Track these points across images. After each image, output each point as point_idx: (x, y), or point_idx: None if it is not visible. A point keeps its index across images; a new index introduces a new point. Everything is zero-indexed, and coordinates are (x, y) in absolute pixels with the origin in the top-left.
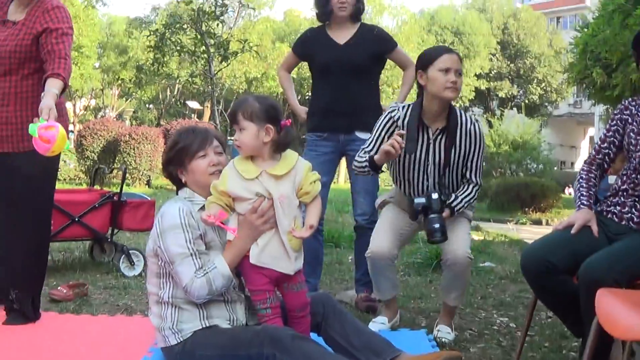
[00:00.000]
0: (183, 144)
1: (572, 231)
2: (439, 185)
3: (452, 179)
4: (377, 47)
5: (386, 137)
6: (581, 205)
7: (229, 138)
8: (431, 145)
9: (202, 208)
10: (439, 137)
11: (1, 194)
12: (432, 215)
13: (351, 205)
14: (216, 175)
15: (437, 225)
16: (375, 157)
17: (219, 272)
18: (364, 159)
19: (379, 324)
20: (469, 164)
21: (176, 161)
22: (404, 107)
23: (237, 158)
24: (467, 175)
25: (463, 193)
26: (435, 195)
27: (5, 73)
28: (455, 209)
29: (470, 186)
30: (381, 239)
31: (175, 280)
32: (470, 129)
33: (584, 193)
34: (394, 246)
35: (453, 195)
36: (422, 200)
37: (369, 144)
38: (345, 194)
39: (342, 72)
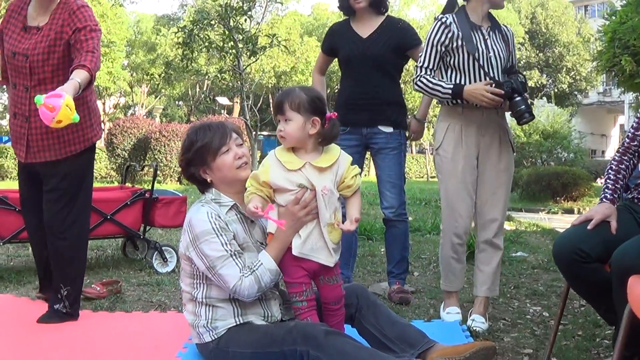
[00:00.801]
0: (202, 143)
1: (589, 227)
2: (506, 70)
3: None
4: (399, 41)
5: (440, 45)
6: (604, 199)
7: (259, 133)
8: (488, 41)
9: (231, 208)
10: (491, 33)
11: (52, 192)
12: (518, 98)
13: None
14: (243, 167)
15: (524, 107)
16: (468, 90)
17: (266, 268)
18: (448, 85)
19: (454, 315)
20: (512, 61)
21: (198, 161)
22: (449, 15)
23: (279, 149)
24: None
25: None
26: (505, 83)
27: (40, 82)
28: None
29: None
30: (456, 213)
31: (213, 282)
32: (504, 29)
33: (610, 185)
34: (469, 218)
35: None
36: (510, 81)
37: (425, 58)
38: (376, 186)
39: (363, 66)
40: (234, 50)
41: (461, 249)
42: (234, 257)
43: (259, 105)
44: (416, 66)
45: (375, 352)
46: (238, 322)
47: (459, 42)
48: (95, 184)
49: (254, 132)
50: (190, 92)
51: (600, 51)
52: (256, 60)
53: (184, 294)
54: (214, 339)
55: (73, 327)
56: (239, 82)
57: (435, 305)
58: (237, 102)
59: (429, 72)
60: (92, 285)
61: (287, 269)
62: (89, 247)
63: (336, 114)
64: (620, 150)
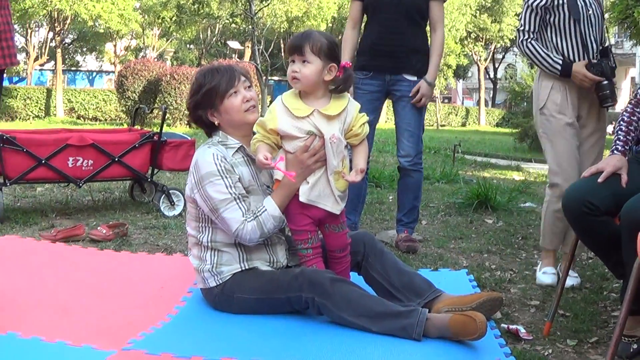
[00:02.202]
0: (210, 85)
1: (600, 179)
2: (600, 49)
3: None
4: None
5: (539, 8)
6: (615, 151)
7: (269, 78)
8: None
9: (238, 150)
10: None
11: None
12: (605, 82)
13: (392, 145)
14: (251, 111)
15: (608, 92)
16: (576, 70)
17: (270, 214)
18: (558, 60)
19: (550, 275)
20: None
21: (205, 104)
22: None
23: (286, 95)
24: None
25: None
26: (594, 62)
27: None
28: None
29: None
30: (565, 171)
31: (218, 226)
32: None
33: (621, 137)
34: (577, 176)
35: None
36: (601, 64)
37: (526, 20)
38: (385, 133)
39: (393, 11)
40: None
41: None
42: (238, 200)
43: (270, 50)
44: (518, 29)
45: (380, 300)
46: (243, 268)
47: (561, 1)
48: (105, 126)
49: (264, 77)
50: (201, 36)
51: (613, 3)
52: (268, 5)
53: (190, 237)
54: (218, 284)
55: (78, 265)
56: (250, 26)
57: (443, 254)
58: (248, 46)
59: (533, 36)
60: (99, 228)
61: (292, 216)
62: (96, 189)
63: (350, 64)
64: (633, 102)
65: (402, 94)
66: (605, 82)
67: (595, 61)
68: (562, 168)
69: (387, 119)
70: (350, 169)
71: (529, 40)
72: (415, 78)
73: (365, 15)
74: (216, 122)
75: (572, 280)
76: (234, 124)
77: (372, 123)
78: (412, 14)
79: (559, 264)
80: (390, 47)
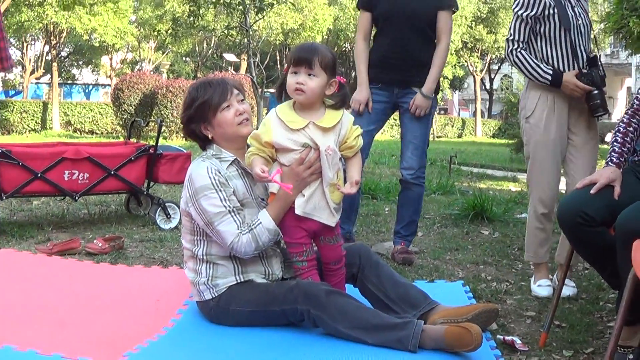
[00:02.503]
0: (203, 99)
1: (592, 191)
2: (589, 59)
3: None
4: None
5: (529, 18)
6: (610, 163)
7: (265, 90)
8: (576, 9)
9: (232, 163)
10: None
11: None
12: (596, 92)
13: (388, 157)
14: (244, 124)
15: (599, 101)
16: (567, 79)
17: (265, 227)
18: (548, 71)
19: (546, 287)
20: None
21: (198, 118)
22: None
23: (280, 107)
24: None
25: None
26: (584, 71)
27: None
28: None
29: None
30: (545, 183)
31: (213, 239)
32: None
33: (616, 149)
34: (557, 188)
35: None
36: (591, 74)
37: (515, 30)
38: (382, 145)
39: (403, 24)
40: (241, 7)
41: (546, 218)
42: (233, 213)
43: (266, 62)
44: (507, 39)
45: (376, 312)
46: (239, 280)
47: (551, 11)
48: (101, 139)
49: (260, 89)
50: (197, 49)
51: (609, 13)
52: (263, 17)
53: (185, 250)
54: (214, 296)
55: (74, 278)
56: (245, 39)
57: (438, 266)
58: (244, 59)
59: (522, 46)
60: (95, 241)
61: (287, 229)
62: (92, 202)
63: (344, 80)
64: (629, 112)
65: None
66: (596, 91)
67: (585, 71)
68: (541, 179)
69: (383, 131)
70: (345, 181)
71: (518, 49)
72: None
73: (375, 26)
74: (210, 136)
75: (568, 290)
76: (227, 137)
77: (372, 132)
78: (422, 26)
79: (556, 273)
80: (400, 60)
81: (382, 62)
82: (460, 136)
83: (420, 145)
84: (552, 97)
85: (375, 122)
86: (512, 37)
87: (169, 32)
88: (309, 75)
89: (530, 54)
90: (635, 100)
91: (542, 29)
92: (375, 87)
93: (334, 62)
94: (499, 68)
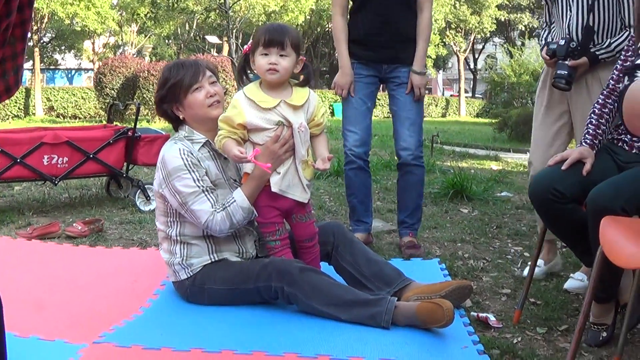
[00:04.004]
0: (175, 80)
1: (563, 167)
2: (586, 29)
3: (604, 20)
4: None
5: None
6: (583, 144)
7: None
8: None
9: (204, 145)
10: None
11: None
12: (560, 62)
13: (379, 139)
14: (215, 106)
15: (559, 72)
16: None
17: (238, 205)
18: (564, 70)
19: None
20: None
21: (170, 98)
22: None
23: (248, 88)
24: (622, 16)
25: (615, 40)
26: (562, 42)
27: None
28: (600, 57)
29: (624, 33)
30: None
31: (186, 220)
32: None
33: (590, 130)
34: None
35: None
36: (554, 45)
37: (545, 17)
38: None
39: None
40: None
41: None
42: (206, 192)
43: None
44: (541, 26)
45: (349, 289)
46: (213, 259)
47: None
48: (84, 124)
49: None
50: (179, 31)
51: None
52: None
53: (159, 232)
54: (189, 276)
55: (53, 261)
56: (225, 20)
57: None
58: (226, 40)
59: (549, 30)
60: (74, 224)
61: (259, 209)
62: (73, 186)
63: (305, 59)
64: (604, 92)
65: (402, 81)
66: (563, 62)
67: (572, 45)
68: (534, 146)
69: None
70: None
71: (546, 33)
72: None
73: (351, 0)
74: (181, 117)
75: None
76: (197, 119)
77: (370, 111)
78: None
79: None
80: (387, 36)
81: (367, 39)
82: (444, 116)
83: (417, 120)
84: (547, 69)
85: (369, 98)
86: (544, 26)
87: (148, 15)
88: (281, 55)
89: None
90: (610, 81)
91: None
92: (360, 63)
93: (301, 42)
94: (483, 47)
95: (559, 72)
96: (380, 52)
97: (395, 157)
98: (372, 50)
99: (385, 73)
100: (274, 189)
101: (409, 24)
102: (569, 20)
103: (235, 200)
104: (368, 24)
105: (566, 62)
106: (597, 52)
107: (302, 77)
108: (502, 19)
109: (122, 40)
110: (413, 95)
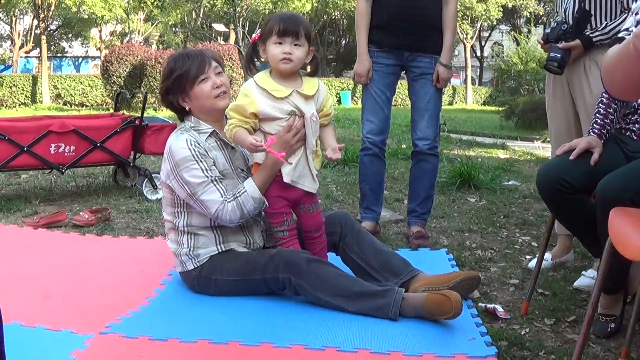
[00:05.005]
0: (181, 71)
1: (571, 157)
2: (580, 12)
3: (601, 3)
4: None
5: None
6: (591, 133)
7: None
8: None
9: (210, 135)
10: None
11: None
12: (553, 45)
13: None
14: (221, 97)
15: (552, 54)
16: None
17: (249, 195)
18: (556, 53)
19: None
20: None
21: (176, 89)
22: None
23: (259, 77)
24: None
25: (612, 23)
26: (554, 25)
27: None
28: (594, 39)
29: (623, 16)
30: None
31: (193, 210)
32: None
33: (598, 120)
34: None
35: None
36: (548, 29)
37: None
38: (356, 112)
39: None
40: None
41: None
42: (215, 182)
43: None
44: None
45: (357, 280)
46: (220, 250)
47: None
48: (91, 112)
49: None
50: (186, 19)
51: None
52: None
53: (166, 222)
54: (196, 266)
55: (60, 250)
56: (231, 8)
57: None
58: (233, 28)
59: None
60: (81, 213)
61: (268, 200)
62: (80, 175)
63: (314, 49)
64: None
65: (423, 71)
66: (555, 45)
67: (564, 27)
68: (555, 139)
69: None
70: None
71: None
72: (437, 55)
73: None
74: (187, 108)
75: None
76: (204, 110)
77: (390, 100)
78: None
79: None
80: (411, 22)
81: (391, 25)
82: (451, 104)
83: (435, 112)
84: None
85: (388, 87)
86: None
87: (155, 3)
88: (295, 45)
89: None
90: None
91: None
92: (381, 50)
93: (311, 32)
94: (490, 35)
95: (551, 54)
96: (403, 39)
97: (412, 145)
98: (394, 36)
99: (406, 61)
100: (286, 179)
101: (435, 12)
102: (566, 3)
103: (246, 190)
104: (393, 8)
105: (558, 45)
106: (591, 35)
107: (310, 67)
108: (509, 6)
109: (129, 28)
110: (433, 85)
